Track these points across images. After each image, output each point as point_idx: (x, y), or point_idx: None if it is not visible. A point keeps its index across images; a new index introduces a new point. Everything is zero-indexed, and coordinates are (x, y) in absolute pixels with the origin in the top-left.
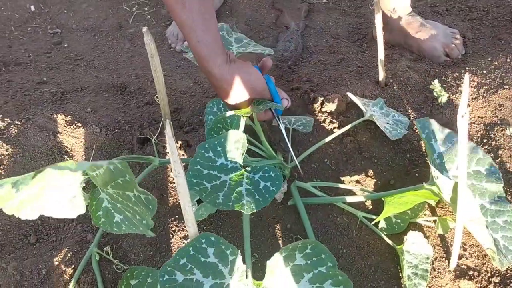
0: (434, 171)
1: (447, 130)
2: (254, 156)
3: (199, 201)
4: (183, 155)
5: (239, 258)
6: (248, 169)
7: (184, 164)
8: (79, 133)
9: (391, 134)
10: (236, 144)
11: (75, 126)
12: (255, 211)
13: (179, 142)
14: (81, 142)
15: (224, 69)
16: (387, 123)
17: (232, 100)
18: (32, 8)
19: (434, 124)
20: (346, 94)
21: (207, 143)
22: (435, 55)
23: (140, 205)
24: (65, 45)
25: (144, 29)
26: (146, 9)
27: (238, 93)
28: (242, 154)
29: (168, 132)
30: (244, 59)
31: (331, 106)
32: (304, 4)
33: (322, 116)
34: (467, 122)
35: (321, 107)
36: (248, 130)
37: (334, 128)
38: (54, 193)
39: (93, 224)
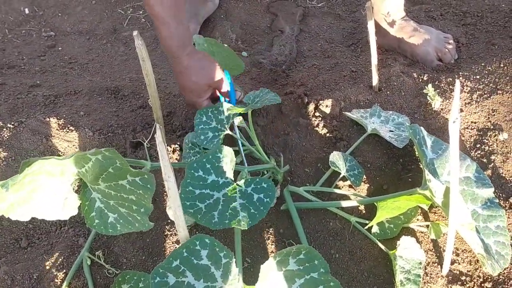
0: (427, 175)
1: (433, 137)
2: (248, 159)
3: None
4: (176, 159)
5: (233, 261)
6: (240, 183)
7: (177, 168)
8: (71, 137)
9: (397, 142)
10: (225, 159)
11: (67, 130)
12: (252, 225)
13: (172, 146)
14: (73, 145)
15: (192, 58)
16: (390, 130)
17: (193, 84)
18: (27, 11)
19: (423, 131)
20: (339, 99)
21: (195, 162)
22: (428, 59)
23: (136, 190)
24: (59, 48)
25: (135, 33)
26: (140, 12)
27: (200, 77)
28: (232, 168)
29: (159, 136)
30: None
31: (324, 111)
32: (299, 8)
33: (315, 120)
34: (459, 128)
35: (315, 111)
36: (242, 134)
37: (327, 132)
38: (45, 196)
39: (88, 227)
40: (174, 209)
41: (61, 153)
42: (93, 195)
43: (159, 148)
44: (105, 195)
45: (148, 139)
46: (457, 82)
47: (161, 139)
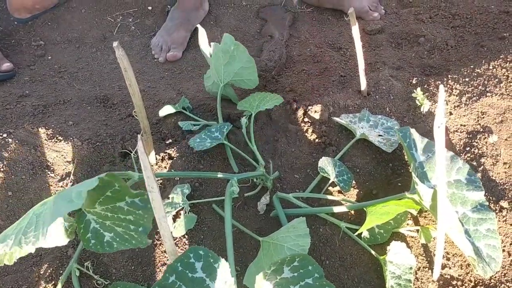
0: (415, 178)
1: (426, 140)
2: (242, 164)
3: (174, 218)
4: (165, 167)
5: (227, 271)
6: None
7: (165, 177)
8: (60, 147)
9: (386, 146)
10: None
11: (56, 140)
12: None
13: (161, 154)
14: (62, 156)
15: None
16: (379, 135)
17: None
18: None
19: (414, 134)
20: (328, 104)
21: None
22: (363, 11)
23: (135, 211)
24: (49, 57)
25: (115, 44)
26: (130, 20)
27: None
28: None
29: (140, 147)
30: None
31: (313, 116)
32: (288, 13)
33: (304, 126)
34: (444, 132)
35: (304, 117)
36: (239, 139)
37: (316, 138)
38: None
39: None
40: (159, 220)
41: (50, 163)
42: (87, 217)
43: (141, 159)
44: (100, 216)
45: (136, 149)
46: (441, 87)
47: (143, 150)
